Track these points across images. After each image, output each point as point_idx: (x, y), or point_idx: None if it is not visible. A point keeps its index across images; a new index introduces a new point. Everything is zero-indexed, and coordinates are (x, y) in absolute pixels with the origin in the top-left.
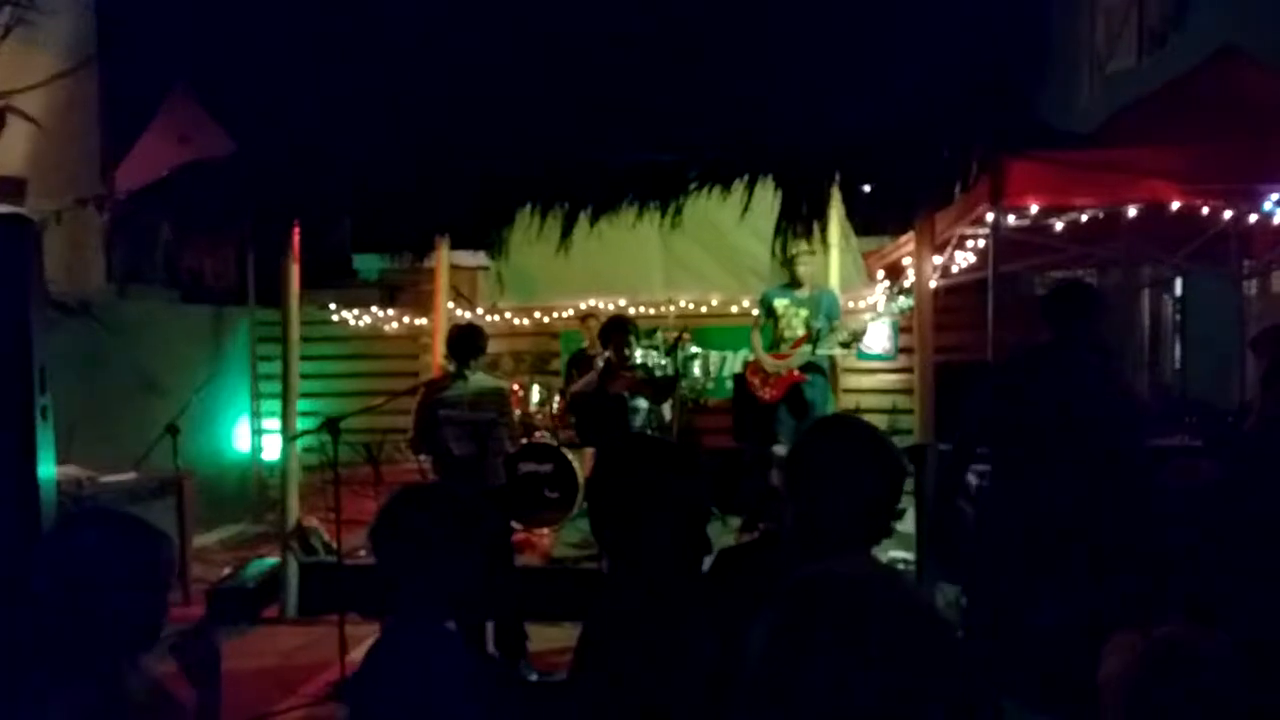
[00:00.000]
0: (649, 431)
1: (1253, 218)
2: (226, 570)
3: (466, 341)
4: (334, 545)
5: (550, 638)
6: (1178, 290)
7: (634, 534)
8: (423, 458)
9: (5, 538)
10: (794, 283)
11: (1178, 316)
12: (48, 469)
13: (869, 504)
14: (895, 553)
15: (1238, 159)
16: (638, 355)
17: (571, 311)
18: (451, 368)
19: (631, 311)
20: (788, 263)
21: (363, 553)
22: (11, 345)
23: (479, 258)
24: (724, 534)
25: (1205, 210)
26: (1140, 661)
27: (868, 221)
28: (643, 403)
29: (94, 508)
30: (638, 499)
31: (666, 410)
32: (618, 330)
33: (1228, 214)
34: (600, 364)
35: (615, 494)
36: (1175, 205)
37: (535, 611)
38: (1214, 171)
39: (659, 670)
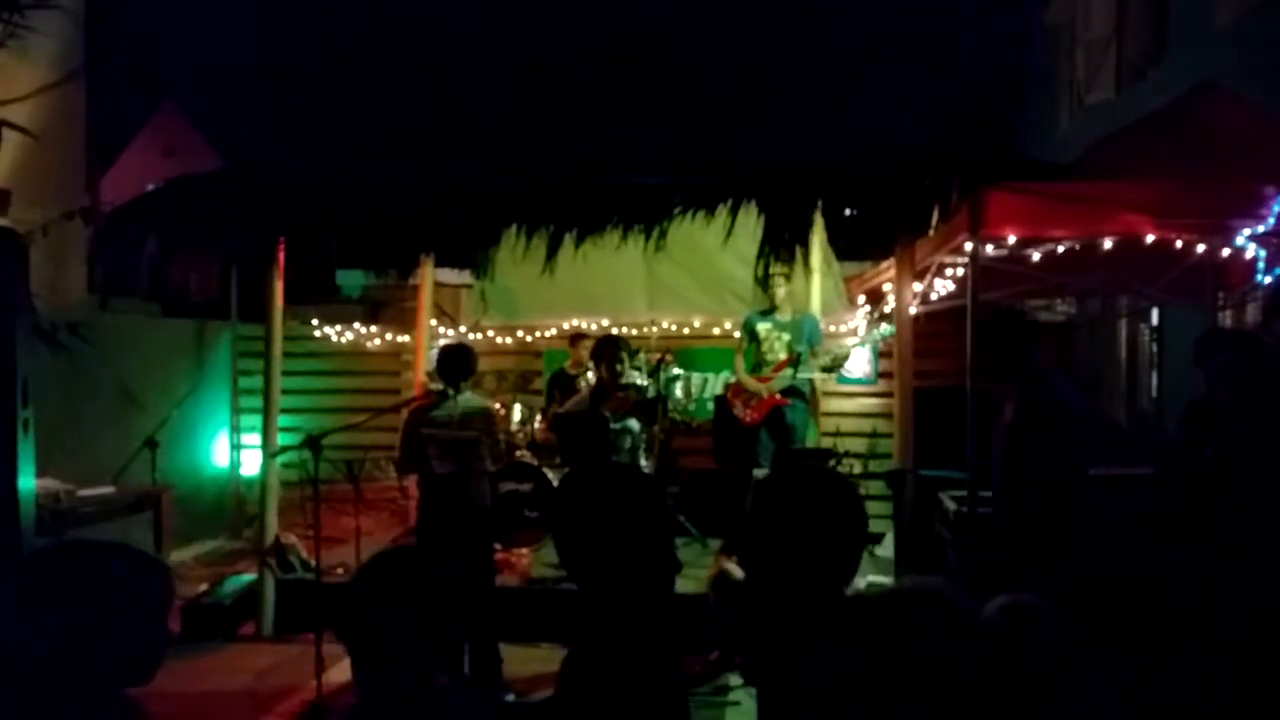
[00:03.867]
0: (640, 452)
1: (1226, 251)
2: (203, 586)
3: (456, 362)
4: (312, 563)
5: (528, 659)
6: (1154, 320)
7: (596, 560)
8: (405, 479)
9: None
10: (774, 306)
11: (1154, 346)
12: (28, 481)
13: (830, 554)
14: (874, 577)
15: (1212, 193)
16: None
17: (554, 331)
18: (438, 387)
19: (614, 332)
20: (763, 283)
21: (340, 571)
22: None
23: (462, 276)
24: (704, 556)
25: (1180, 243)
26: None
27: (850, 246)
28: (634, 424)
29: (86, 540)
30: (594, 526)
31: (659, 432)
32: (610, 350)
33: (1201, 247)
34: (583, 384)
35: (572, 523)
36: (1150, 238)
37: (513, 632)
38: (1188, 205)
39: (638, 691)
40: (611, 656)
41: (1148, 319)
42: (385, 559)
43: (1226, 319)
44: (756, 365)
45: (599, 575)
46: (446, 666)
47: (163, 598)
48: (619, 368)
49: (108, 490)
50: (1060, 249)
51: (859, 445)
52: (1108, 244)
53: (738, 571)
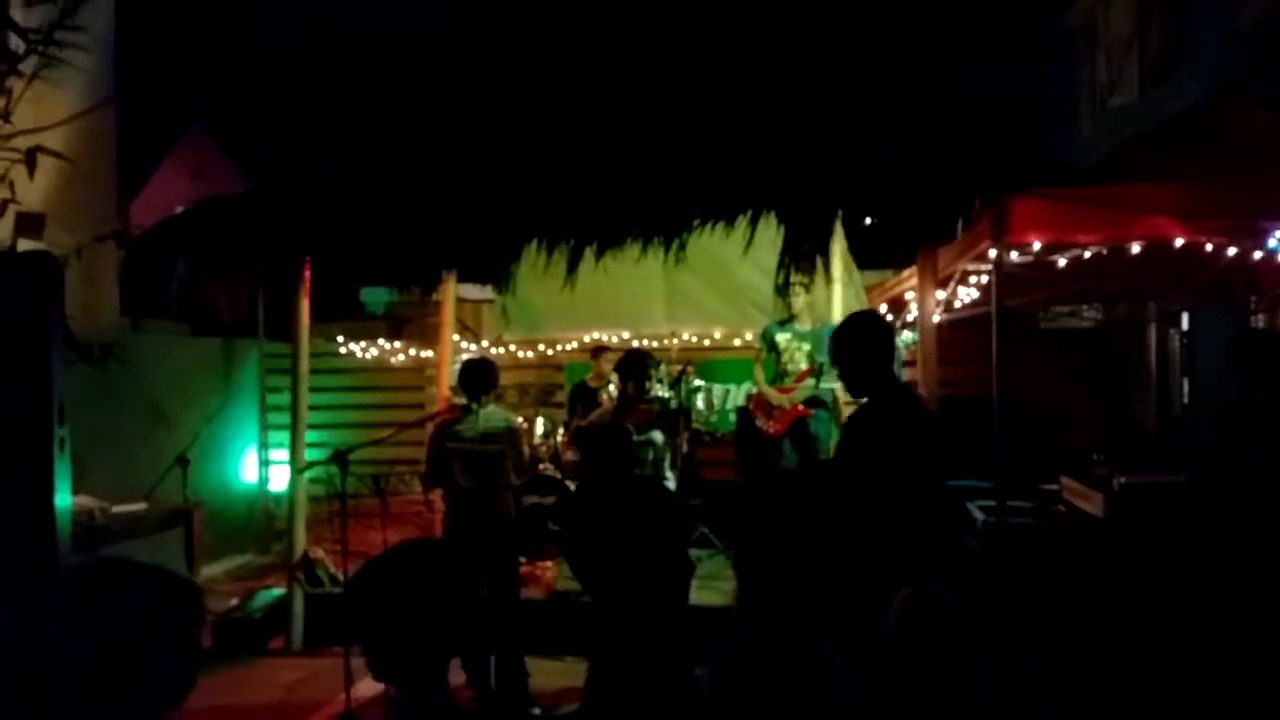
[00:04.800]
0: (663, 464)
1: (1257, 254)
2: (233, 601)
3: (478, 376)
4: (340, 577)
5: (554, 672)
6: (1184, 325)
7: (604, 571)
8: (431, 493)
9: (24, 566)
10: (792, 315)
11: (1185, 351)
12: (64, 499)
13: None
14: None
15: (1240, 196)
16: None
17: (575, 344)
18: (462, 401)
19: (635, 344)
20: (781, 292)
21: None
22: (33, 379)
23: (484, 291)
24: (728, 568)
25: (1209, 247)
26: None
27: (871, 254)
28: (658, 436)
29: (120, 559)
30: (601, 538)
31: (684, 443)
32: (637, 365)
33: (1232, 251)
34: (605, 397)
35: (580, 535)
36: (1179, 242)
37: (539, 646)
38: (1217, 209)
39: (658, 704)
40: (628, 669)
41: (1177, 324)
42: (392, 555)
43: (1259, 323)
44: (778, 376)
45: (608, 586)
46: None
47: (193, 619)
48: (647, 384)
49: (140, 507)
50: (1087, 254)
51: None
52: (1135, 248)
53: None
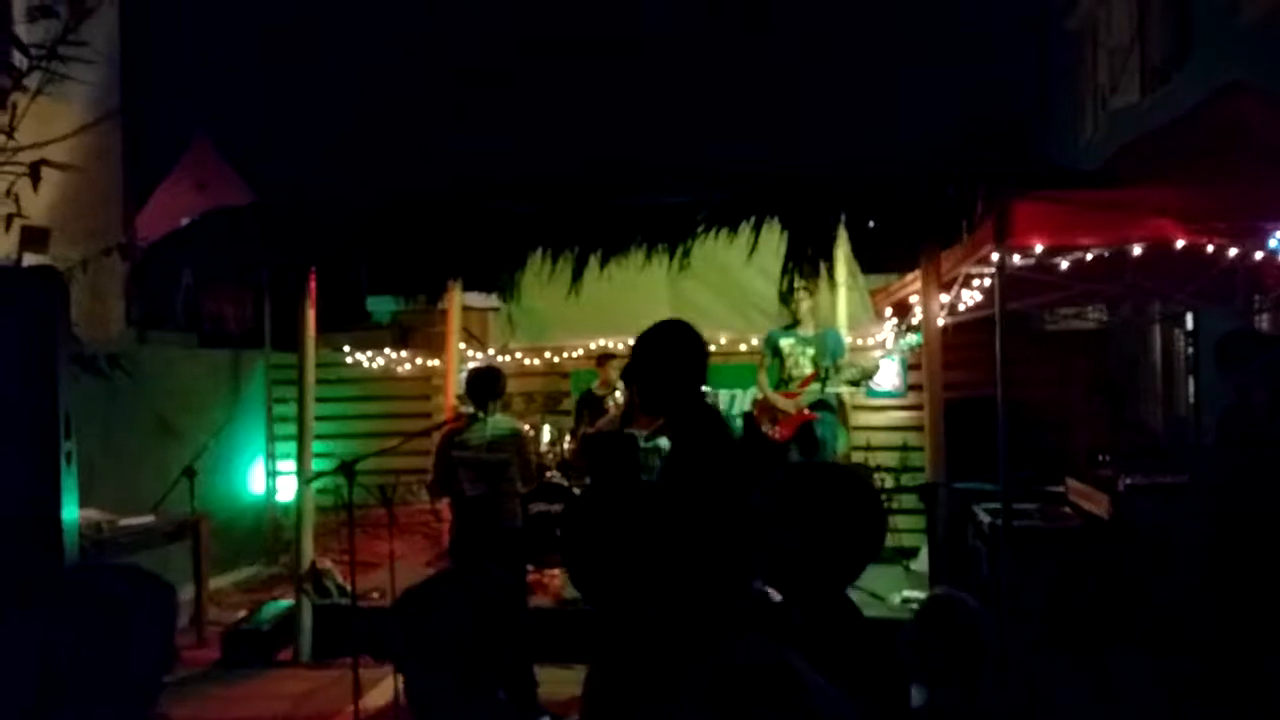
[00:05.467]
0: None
1: (1259, 254)
2: (241, 613)
3: (484, 384)
4: (348, 588)
5: (563, 680)
6: (1189, 325)
7: (606, 578)
8: (438, 502)
9: (31, 580)
10: (796, 321)
11: (1190, 351)
12: (71, 511)
13: (838, 554)
14: (909, 592)
15: (1242, 196)
16: None
17: (581, 351)
18: (468, 410)
19: None
20: (785, 298)
21: (376, 595)
22: (40, 393)
23: (489, 299)
24: None
25: (1211, 247)
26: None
27: (875, 259)
28: (665, 443)
29: (99, 563)
30: (601, 547)
31: None
32: None
33: (1233, 251)
34: (611, 404)
35: (580, 547)
36: (1180, 243)
37: (547, 653)
38: (1219, 209)
39: (659, 706)
40: (628, 678)
41: (1182, 324)
42: (436, 582)
43: (1262, 322)
44: (782, 381)
45: (607, 594)
46: (491, 688)
47: (161, 617)
48: None
49: (148, 519)
50: (1089, 256)
51: (890, 459)
52: (1137, 250)
53: (775, 595)
